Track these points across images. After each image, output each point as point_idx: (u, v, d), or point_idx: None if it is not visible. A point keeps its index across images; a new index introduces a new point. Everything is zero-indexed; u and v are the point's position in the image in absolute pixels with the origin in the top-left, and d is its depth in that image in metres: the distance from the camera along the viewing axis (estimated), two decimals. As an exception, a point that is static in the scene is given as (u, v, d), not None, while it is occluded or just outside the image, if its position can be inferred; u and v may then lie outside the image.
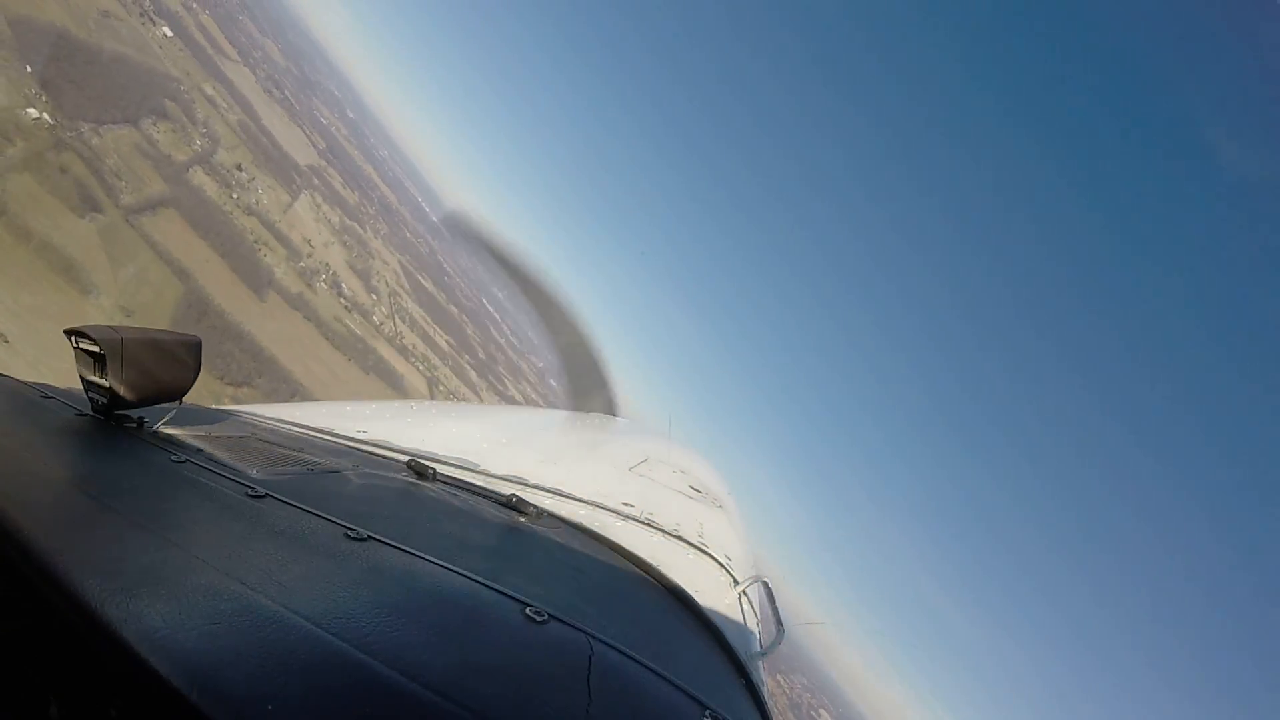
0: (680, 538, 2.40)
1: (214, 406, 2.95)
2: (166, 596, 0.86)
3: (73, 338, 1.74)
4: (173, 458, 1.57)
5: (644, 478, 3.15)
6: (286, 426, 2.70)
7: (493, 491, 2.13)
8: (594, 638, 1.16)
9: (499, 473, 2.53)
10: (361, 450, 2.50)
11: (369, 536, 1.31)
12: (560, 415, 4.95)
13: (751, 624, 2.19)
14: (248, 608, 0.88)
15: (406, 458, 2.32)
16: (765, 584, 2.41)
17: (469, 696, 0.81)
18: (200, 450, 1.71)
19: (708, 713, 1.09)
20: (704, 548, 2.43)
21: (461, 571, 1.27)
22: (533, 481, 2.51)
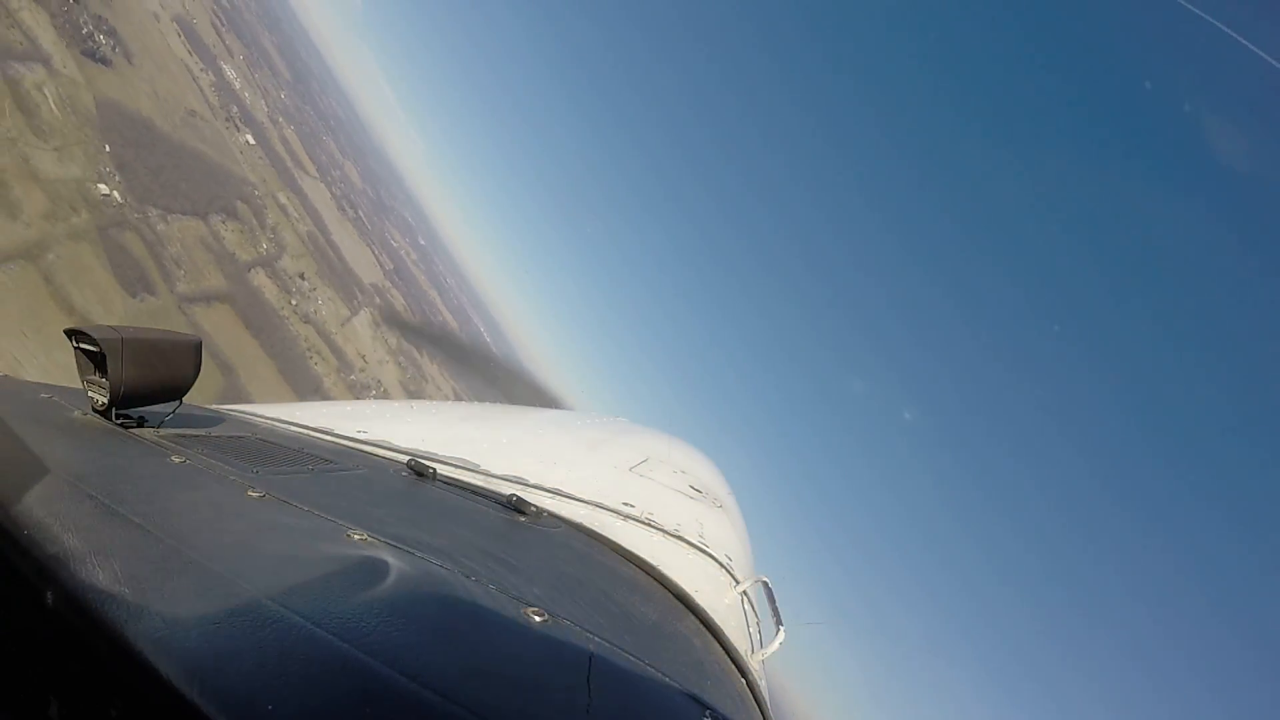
0: (680, 538, 2.40)
1: (214, 406, 2.95)
2: (166, 596, 0.86)
3: (73, 338, 1.75)
4: (173, 458, 1.57)
5: (644, 478, 3.15)
6: (286, 426, 2.70)
7: (493, 491, 2.12)
8: (594, 637, 1.16)
9: (499, 473, 2.53)
10: (361, 450, 2.50)
11: (369, 536, 1.31)
12: (560, 415, 4.94)
13: (751, 624, 2.19)
14: (248, 608, 0.88)
15: (406, 458, 2.32)
16: (765, 584, 2.41)
17: (469, 696, 0.81)
18: (200, 450, 1.71)
19: (707, 713, 1.09)
20: (704, 548, 2.43)
21: (461, 571, 1.27)
22: (533, 481, 2.51)
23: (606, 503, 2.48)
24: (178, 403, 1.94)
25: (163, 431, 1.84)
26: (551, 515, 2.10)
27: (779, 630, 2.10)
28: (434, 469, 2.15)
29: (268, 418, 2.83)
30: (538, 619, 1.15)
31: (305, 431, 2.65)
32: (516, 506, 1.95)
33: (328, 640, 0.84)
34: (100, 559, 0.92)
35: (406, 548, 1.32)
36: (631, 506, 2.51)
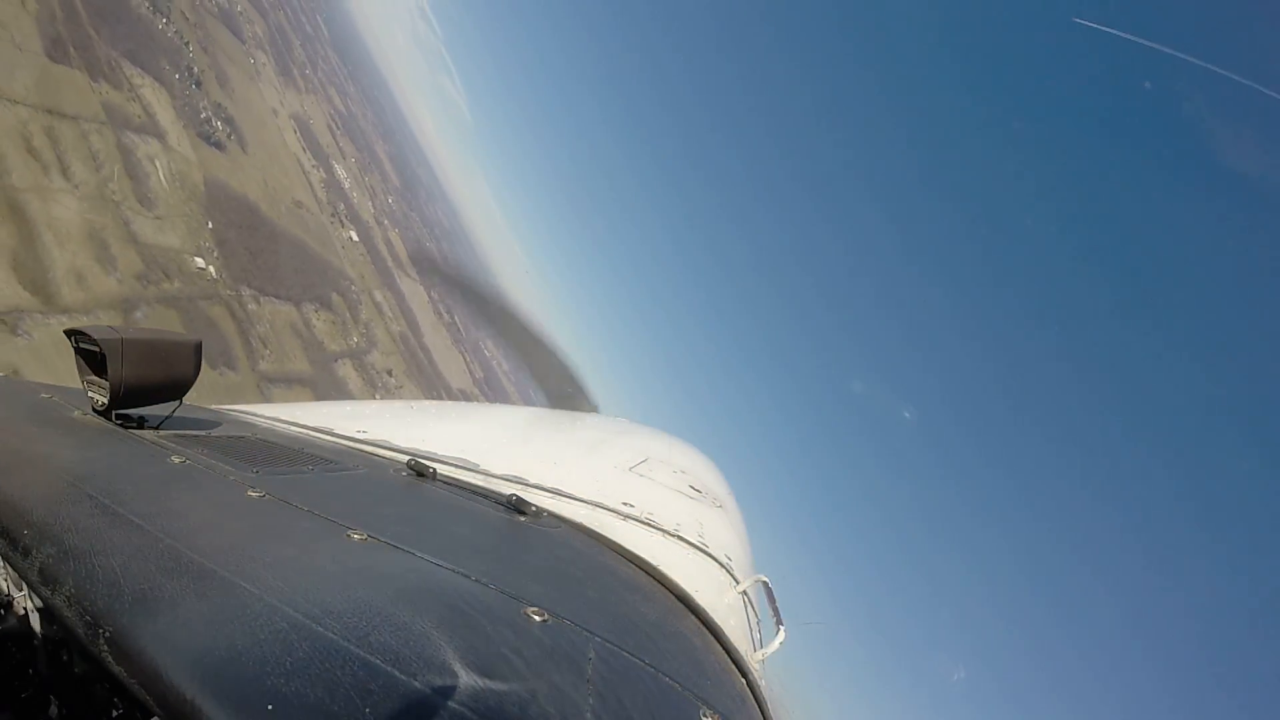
0: (680, 538, 2.40)
1: (214, 406, 2.95)
2: (166, 596, 0.86)
3: (73, 338, 1.75)
4: (173, 458, 1.57)
5: (644, 478, 3.15)
6: (286, 426, 2.70)
7: (493, 491, 2.12)
8: (594, 637, 1.16)
9: (499, 473, 2.52)
10: (361, 450, 2.50)
11: (369, 536, 1.31)
12: (560, 415, 4.94)
13: (752, 624, 2.19)
14: (248, 607, 0.88)
15: (406, 458, 2.32)
16: (765, 584, 2.40)
17: (470, 696, 0.81)
18: (200, 450, 1.71)
19: (707, 712, 1.09)
20: (704, 548, 2.42)
21: (461, 571, 1.27)
22: (533, 481, 2.51)
23: (606, 502, 2.48)
24: (178, 403, 1.95)
25: (163, 431, 1.84)
26: (551, 515, 2.10)
27: (779, 630, 2.10)
28: (434, 469, 2.15)
29: (268, 418, 2.83)
30: (538, 619, 1.15)
31: (305, 431, 2.65)
32: (516, 506, 1.95)
33: (328, 639, 0.84)
34: (100, 559, 0.92)
35: (406, 548, 1.32)
36: (631, 506, 2.51)
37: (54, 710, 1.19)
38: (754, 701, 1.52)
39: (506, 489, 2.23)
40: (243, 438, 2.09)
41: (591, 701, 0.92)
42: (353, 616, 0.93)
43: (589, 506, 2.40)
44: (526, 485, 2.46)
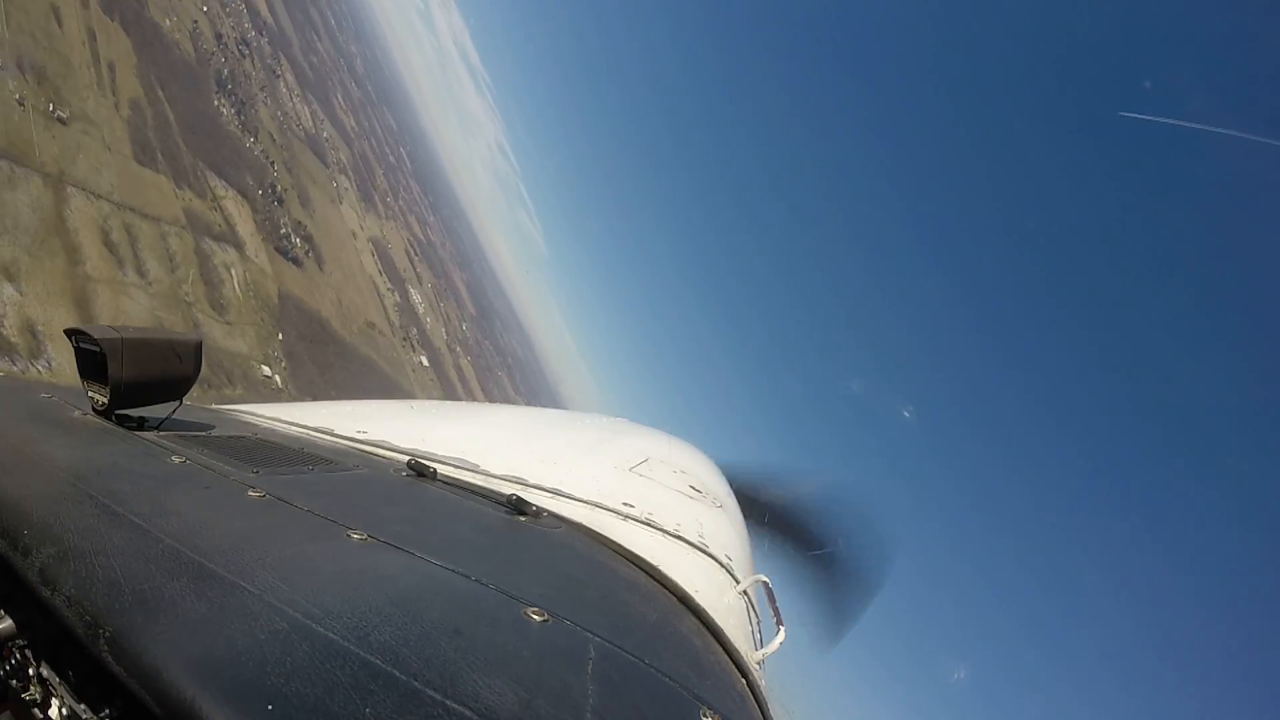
0: (680, 538, 2.40)
1: (214, 406, 2.95)
2: (166, 596, 0.86)
3: (73, 337, 1.75)
4: (173, 457, 1.57)
5: (644, 478, 3.14)
6: (286, 426, 2.70)
7: (493, 491, 2.12)
8: (594, 637, 1.16)
9: (499, 473, 2.52)
10: (361, 450, 2.50)
11: (369, 536, 1.31)
12: (560, 415, 4.94)
13: (752, 624, 2.19)
14: (248, 607, 0.88)
15: (406, 458, 2.32)
16: (766, 584, 2.40)
17: (469, 696, 0.81)
18: (200, 450, 1.71)
19: (708, 713, 1.09)
20: (704, 548, 2.42)
21: (461, 571, 1.27)
22: (533, 481, 2.51)
23: (606, 503, 2.47)
24: (178, 403, 1.95)
25: (163, 431, 1.84)
26: (551, 515, 2.10)
27: (779, 630, 2.10)
28: (434, 469, 2.15)
29: (268, 418, 2.83)
30: (538, 619, 1.15)
31: (305, 431, 2.65)
32: (516, 506, 1.95)
33: (328, 639, 0.84)
34: (100, 559, 0.92)
35: (406, 548, 1.32)
36: (631, 506, 2.51)
37: (54, 710, 1.19)
38: (754, 701, 1.51)
39: (506, 489, 2.22)
40: (243, 438, 2.09)
41: (591, 702, 0.92)
42: (353, 616, 0.93)
43: (589, 506, 2.40)
44: (526, 485, 2.46)
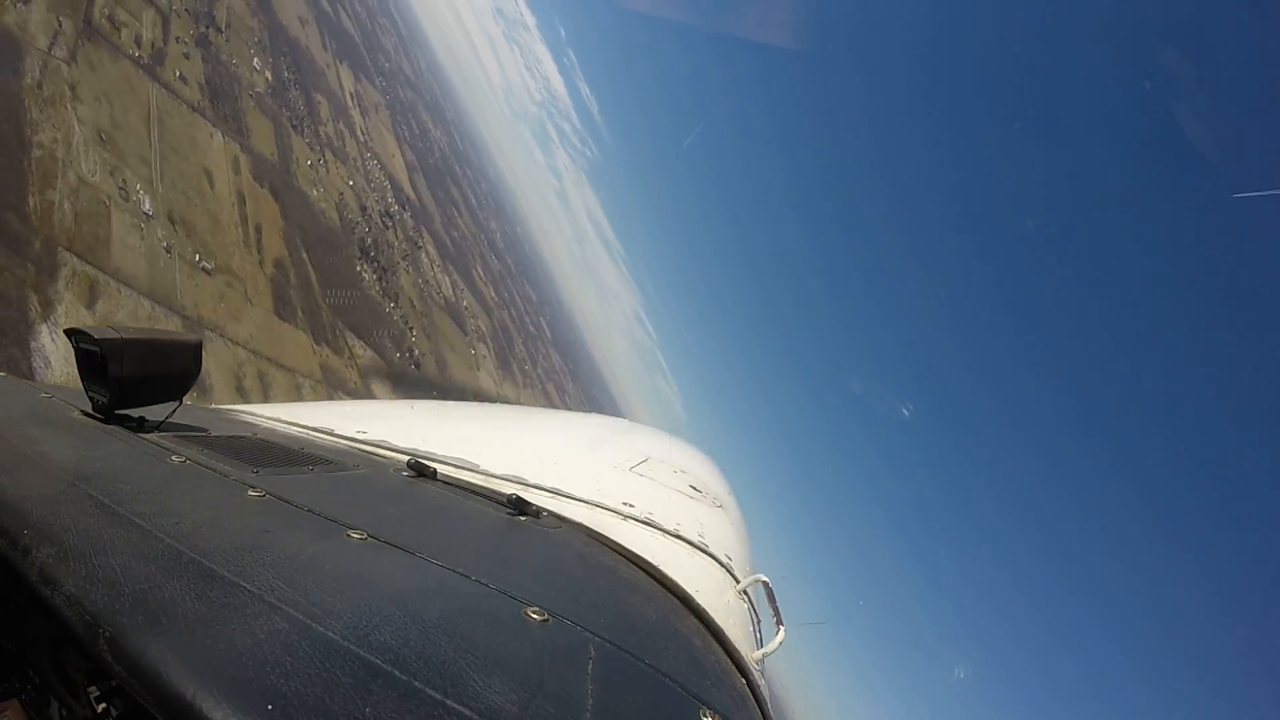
0: (680, 537, 2.40)
1: (214, 406, 2.95)
2: (166, 596, 0.86)
3: (73, 337, 1.75)
4: (173, 457, 1.57)
5: (644, 477, 3.14)
6: (286, 426, 2.70)
7: (493, 491, 2.12)
8: (594, 637, 1.16)
9: (499, 473, 2.52)
10: (361, 450, 2.50)
11: (369, 536, 1.31)
12: (560, 415, 4.94)
13: (752, 624, 2.19)
14: (248, 607, 0.88)
15: (406, 458, 2.32)
16: (766, 584, 2.40)
17: (469, 696, 0.81)
18: (200, 450, 1.71)
19: (708, 712, 1.09)
20: (704, 547, 2.42)
21: (461, 571, 1.27)
22: (533, 481, 2.51)
23: (606, 502, 2.47)
24: (178, 403, 1.95)
25: (163, 431, 1.84)
26: (552, 515, 2.10)
27: (779, 630, 2.10)
28: (434, 469, 2.15)
29: (268, 418, 2.83)
30: (538, 619, 1.15)
31: (305, 431, 2.65)
32: (517, 506, 1.95)
33: (328, 639, 0.84)
34: (100, 559, 0.92)
35: (406, 547, 1.32)
36: (631, 506, 2.51)
37: (54, 710, 1.19)
38: (754, 701, 1.52)
39: (506, 489, 2.22)
40: (243, 438, 2.09)
41: (591, 701, 0.92)
42: (353, 616, 0.93)
43: (589, 506, 2.40)
44: (526, 485, 2.46)
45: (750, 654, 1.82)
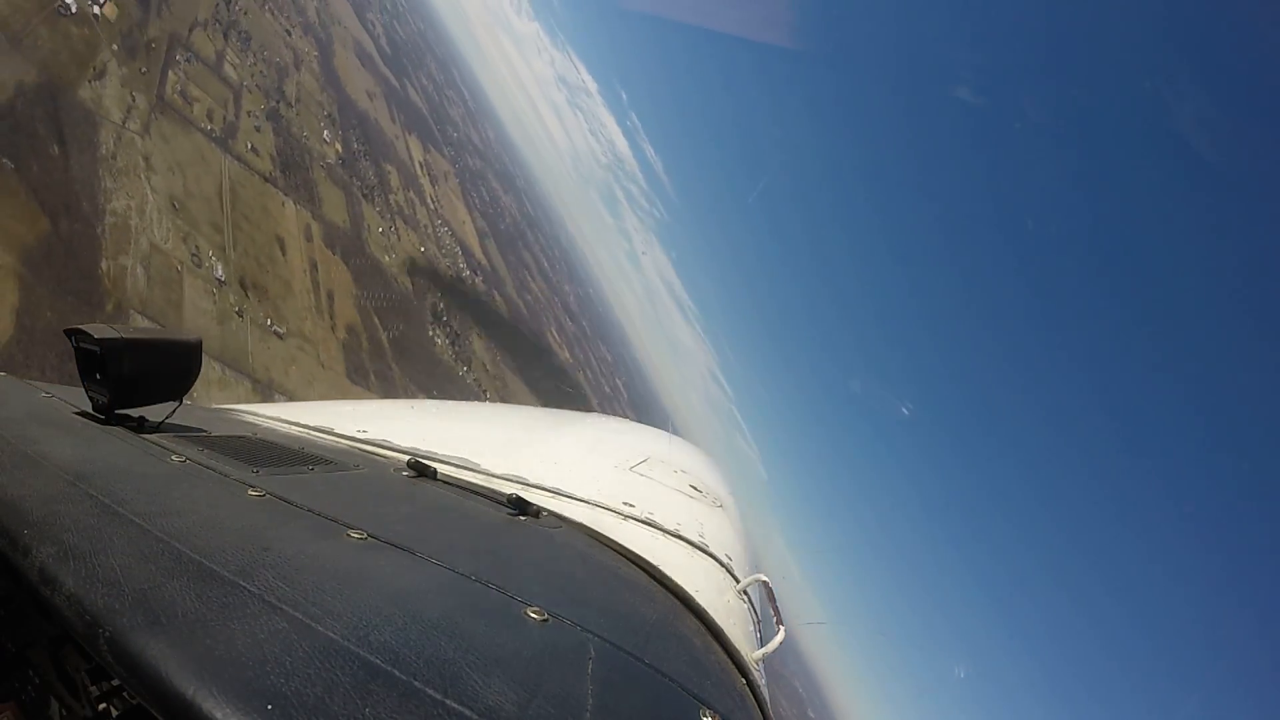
0: (680, 537, 2.40)
1: (214, 406, 2.95)
2: (166, 596, 0.86)
3: (73, 338, 1.75)
4: (173, 457, 1.57)
5: (644, 477, 3.14)
6: (286, 426, 2.70)
7: (493, 491, 2.12)
8: (594, 637, 1.16)
9: (499, 473, 2.52)
10: (361, 450, 2.50)
11: (369, 536, 1.31)
12: (560, 415, 4.94)
13: (752, 624, 2.19)
14: (248, 607, 0.88)
15: (406, 457, 2.32)
16: (766, 583, 2.40)
17: (469, 696, 0.81)
18: (200, 450, 1.71)
19: (708, 712, 1.09)
20: (704, 547, 2.42)
21: (461, 571, 1.27)
22: (533, 481, 2.51)
23: (607, 502, 2.47)
24: (178, 403, 1.94)
25: (163, 431, 1.83)
26: (552, 515, 2.10)
27: (779, 630, 2.10)
28: (434, 468, 2.15)
29: (268, 417, 2.83)
30: (538, 619, 1.15)
31: (305, 431, 2.65)
32: (517, 506, 1.95)
33: (328, 639, 0.84)
34: (100, 559, 0.92)
35: (406, 547, 1.32)
36: (631, 506, 2.51)
37: (54, 710, 1.19)
38: (754, 701, 1.52)
39: (506, 489, 2.22)
40: (243, 438, 2.09)
41: (591, 702, 0.92)
42: (353, 616, 0.93)
43: (589, 506, 2.40)
44: (526, 485, 2.46)
45: (750, 654, 1.82)
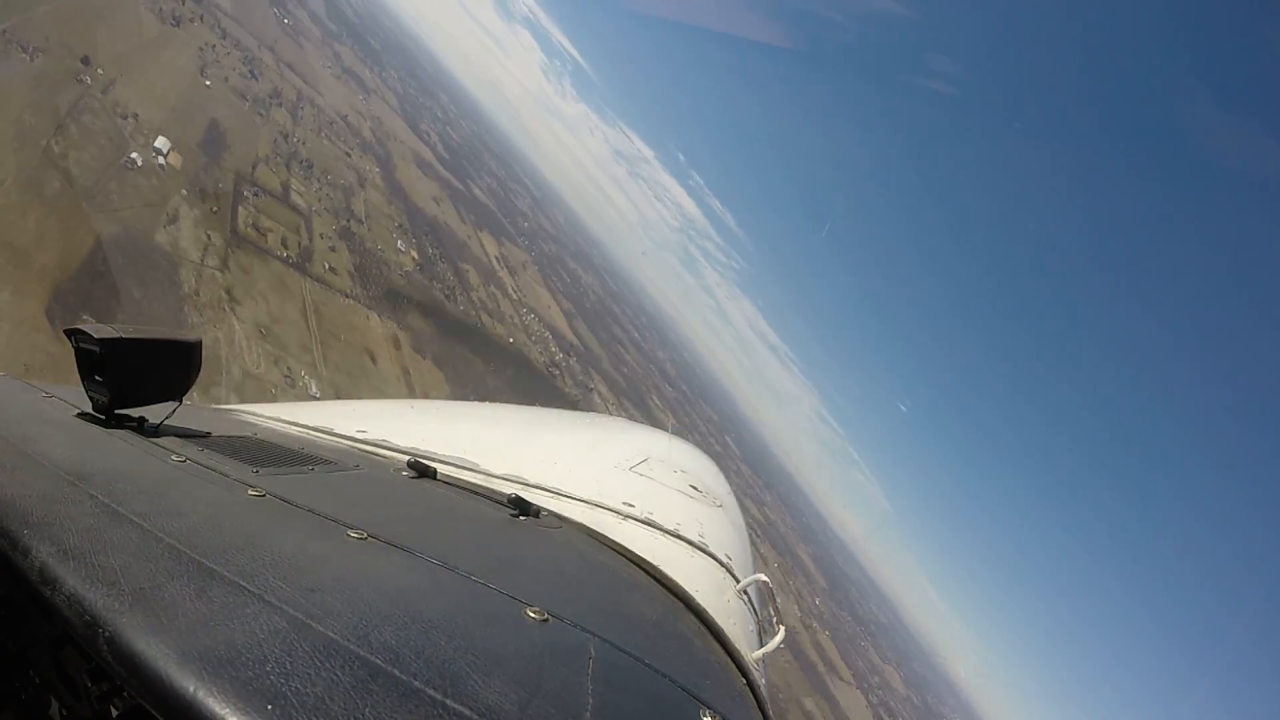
0: (680, 537, 2.40)
1: (214, 406, 2.95)
2: (166, 596, 0.86)
3: (73, 337, 1.75)
4: (173, 457, 1.57)
5: (644, 477, 3.14)
6: (286, 426, 2.70)
7: (493, 491, 2.13)
8: (594, 637, 1.16)
9: (499, 473, 2.53)
10: (361, 450, 2.50)
11: (369, 536, 1.31)
12: (560, 415, 4.94)
13: (751, 623, 2.19)
14: (248, 607, 0.88)
15: (406, 457, 2.32)
16: (766, 583, 2.40)
17: (469, 696, 0.81)
18: (200, 450, 1.71)
19: (708, 712, 1.09)
20: (704, 547, 2.42)
21: (461, 571, 1.27)
22: (533, 481, 2.51)
23: (606, 502, 2.48)
24: (178, 403, 1.94)
25: (163, 431, 1.83)
26: (551, 515, 2.10)
27: (779, 629, 2.10)
28: (434, 468, 2.15)
29: (268, 417, 2.83)
30: (538, 619, 1.15)
31: (305, 431, 2.65)
32: (517, 506, 1.95)
33: (328, 639, 0.84)
34: (100, 559, 0.92)
35: (406, 547, 1.32)
36: (631, 506, 2.51)
37: (54, 710, 1.19)
38: (754, 701, 1.52)
39: (506, 489, 2.23)
40: (243, 438, 2.09)
41: (591, 702, 0.92)
42: (352, 616, 0.93)
43: (589, 506, 2.40)
44: (526, 485, 2.46)
45: (750, 654, 1.82)
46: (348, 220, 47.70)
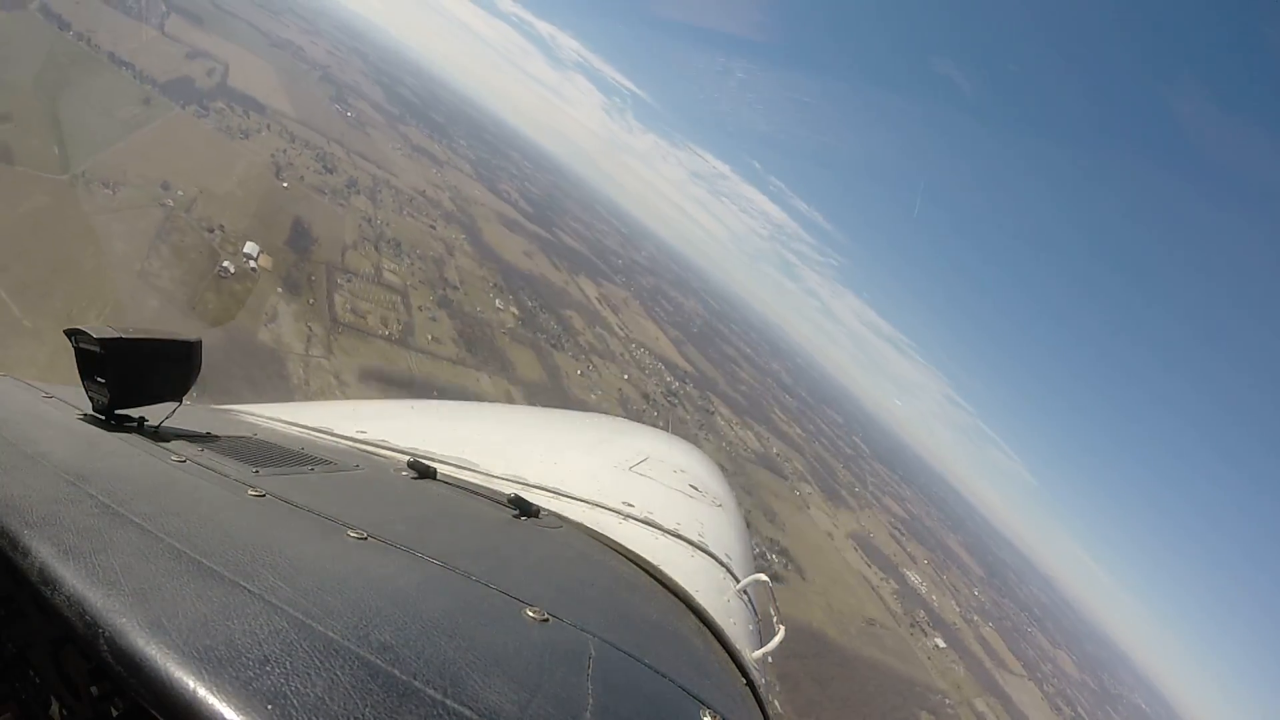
0: (680, 537, 2.40)
1: (214, 406, 2.95)
2: (166, 596, 0.86)
3: (73, 337, 1.75)
4: (173, 458, 1.57)
5: (644, 477, 3.14)
6: (286, 426, 2.70)
7: (493, 491, 2.13)
8: (594, 637, 1.16)
9: (499, 473, 2.53)
10: (361, 450, 2.50)
11: (369, 536, 1.31)
12: (560, 415, 4.95)
13: (752, 624, 2.19)
14: (248, 607, 0.88)
15: (406, 458, 2.32)
16: (766, 583, 2.40)
17: (469, 696, 0.81)
18: (200, 450, 1.71)
19: (708, 712, 1.09)
20: (704, 547, 2.42)
21: (461, 571, 1.28)
22: (533, 481, 2.51)
23: (606, 502, 2.48)
24: (178, 403, 1.95)
25: (163, 431, 1.84)
26: (551, 515, 2.10)
27: (779, 629, 2.10)
28: (434, 469, 2.15)
29: (268, 418, 2.83)
30: (538, 619, 1.15)
31: (305, 431, 2.65)
32: (517, 506, 1.96)
33: (328, 639, 0.84)
34: (100, 559, 0.92)
35: (406, 547, 1.32)
36: (631, 506, 2.51)
37: (55, 710, 1.19)
38: (754, 701, 1.52)
39: (506, 489, 2.23)
40: (243, 438, 2.09)
41: (591, 701, 0.92)
42: (353, 616, 0.93)
43: (589, 506, 2.40)
44: (526, 485, 2.46)
45: (750, 654, 1.82)
46: (443, 289, 48.72)
